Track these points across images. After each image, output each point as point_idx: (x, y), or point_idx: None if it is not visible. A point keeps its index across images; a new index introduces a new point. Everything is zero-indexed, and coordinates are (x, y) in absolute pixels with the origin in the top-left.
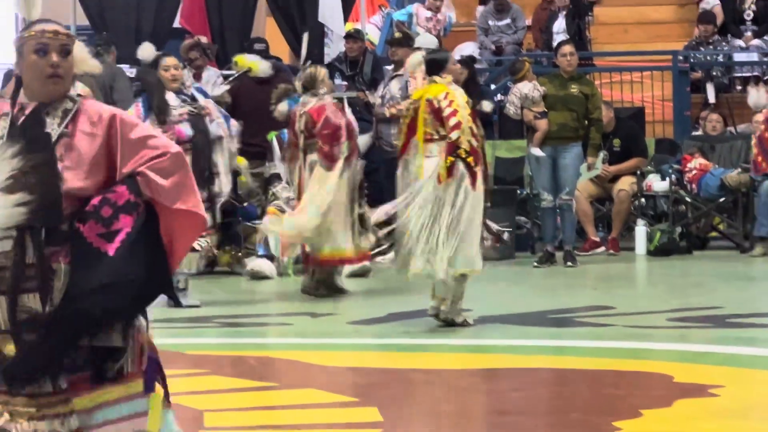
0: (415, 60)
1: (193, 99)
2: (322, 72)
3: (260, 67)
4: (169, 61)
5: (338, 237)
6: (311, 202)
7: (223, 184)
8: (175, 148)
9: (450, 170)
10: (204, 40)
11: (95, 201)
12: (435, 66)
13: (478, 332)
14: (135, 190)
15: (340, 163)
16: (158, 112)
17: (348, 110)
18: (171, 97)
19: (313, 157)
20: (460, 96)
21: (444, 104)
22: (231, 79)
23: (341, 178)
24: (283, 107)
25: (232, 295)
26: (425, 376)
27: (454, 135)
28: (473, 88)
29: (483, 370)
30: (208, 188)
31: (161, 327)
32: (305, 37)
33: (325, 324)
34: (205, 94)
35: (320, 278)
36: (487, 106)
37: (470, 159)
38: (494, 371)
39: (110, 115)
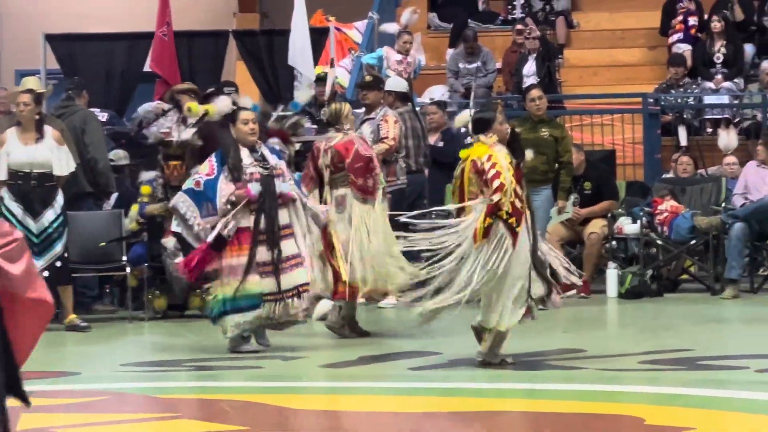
0: (462, 118)
1: (263, 159)
2: (347, 107)
3: (217, 108)
4: (248, 115)
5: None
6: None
7: (301, 245)
8: (18, 233)
9: (487, 231)
10: (188, 85)
11: None
12: (480, 125)
13: (448, 375)
14: None
15: (379, 193)
16: (232, 168)
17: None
18: (245, 154)
19: (340, 192)
20: (503, 157)
21: (487, 166)
22: (194, 122)
23: (381, 204)
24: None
25: (203, 339)
26: (395, 419)
27: (496, 197)
28: (518, 147)
29: (453, 413)
30: (278, 249)
31: (132, 371)
32: (330, 72)
33: (296, 367)
34: (279, 155)
35: (345, 315)
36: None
37: (512, 220)
38: (464, 414)
39: None
